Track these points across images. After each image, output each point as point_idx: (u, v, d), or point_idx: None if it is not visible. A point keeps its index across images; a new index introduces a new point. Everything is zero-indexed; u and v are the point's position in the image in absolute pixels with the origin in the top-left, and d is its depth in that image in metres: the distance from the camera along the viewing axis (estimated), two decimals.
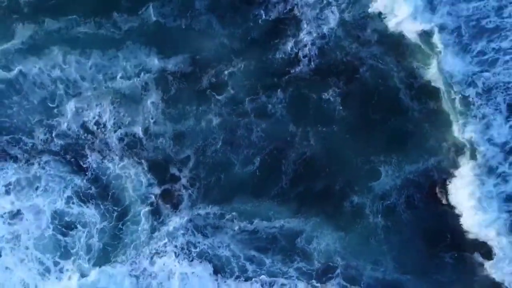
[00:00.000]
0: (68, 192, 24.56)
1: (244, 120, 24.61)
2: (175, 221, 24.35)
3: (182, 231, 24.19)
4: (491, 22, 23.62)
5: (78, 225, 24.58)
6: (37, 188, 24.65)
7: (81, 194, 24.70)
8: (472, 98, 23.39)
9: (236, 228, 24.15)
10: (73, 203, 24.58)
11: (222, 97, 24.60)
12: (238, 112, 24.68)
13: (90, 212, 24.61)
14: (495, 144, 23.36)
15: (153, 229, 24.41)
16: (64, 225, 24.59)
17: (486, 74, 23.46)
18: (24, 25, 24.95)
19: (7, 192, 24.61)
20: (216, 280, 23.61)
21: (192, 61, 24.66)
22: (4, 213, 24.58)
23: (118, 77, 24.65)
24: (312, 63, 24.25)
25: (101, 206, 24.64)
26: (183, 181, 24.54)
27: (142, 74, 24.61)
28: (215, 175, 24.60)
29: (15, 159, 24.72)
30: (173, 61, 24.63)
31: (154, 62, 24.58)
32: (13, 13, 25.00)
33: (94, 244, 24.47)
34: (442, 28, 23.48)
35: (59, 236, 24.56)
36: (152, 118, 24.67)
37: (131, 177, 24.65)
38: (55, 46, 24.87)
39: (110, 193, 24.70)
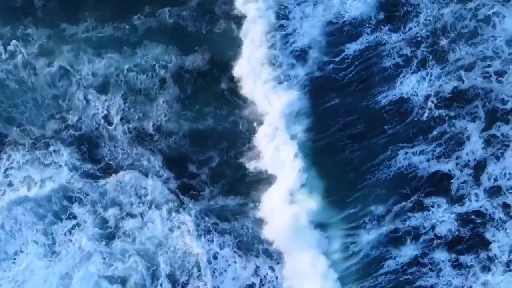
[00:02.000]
0: (79, 183, 23.52)
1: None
2: (192, 210, 23.32)
3: (200, 217, 23.10)
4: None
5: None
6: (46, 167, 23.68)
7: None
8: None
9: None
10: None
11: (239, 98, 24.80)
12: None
13: None
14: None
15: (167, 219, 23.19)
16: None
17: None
18: (38, 28, 25.31)
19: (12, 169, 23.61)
20: (242, 255, 22.33)
21: (210, 61, 25.08)
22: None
23: (132, 72, 24.76)
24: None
25: None
26: (203, 177, 23.81)
27: (158, 70, 24.81)
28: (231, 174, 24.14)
29: (24, 147, 23.93)
30: (190, 59, 25.00)
31: (172, 58, 24.94)
32: (29, 16, 25.50)
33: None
34: None
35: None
36: (165, 116, 24.42)
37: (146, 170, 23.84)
38: (69, 45, 25.11)
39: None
